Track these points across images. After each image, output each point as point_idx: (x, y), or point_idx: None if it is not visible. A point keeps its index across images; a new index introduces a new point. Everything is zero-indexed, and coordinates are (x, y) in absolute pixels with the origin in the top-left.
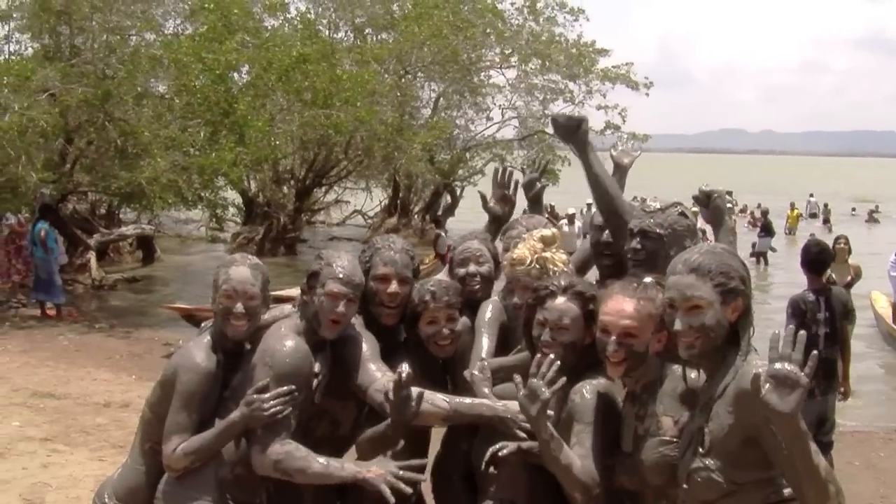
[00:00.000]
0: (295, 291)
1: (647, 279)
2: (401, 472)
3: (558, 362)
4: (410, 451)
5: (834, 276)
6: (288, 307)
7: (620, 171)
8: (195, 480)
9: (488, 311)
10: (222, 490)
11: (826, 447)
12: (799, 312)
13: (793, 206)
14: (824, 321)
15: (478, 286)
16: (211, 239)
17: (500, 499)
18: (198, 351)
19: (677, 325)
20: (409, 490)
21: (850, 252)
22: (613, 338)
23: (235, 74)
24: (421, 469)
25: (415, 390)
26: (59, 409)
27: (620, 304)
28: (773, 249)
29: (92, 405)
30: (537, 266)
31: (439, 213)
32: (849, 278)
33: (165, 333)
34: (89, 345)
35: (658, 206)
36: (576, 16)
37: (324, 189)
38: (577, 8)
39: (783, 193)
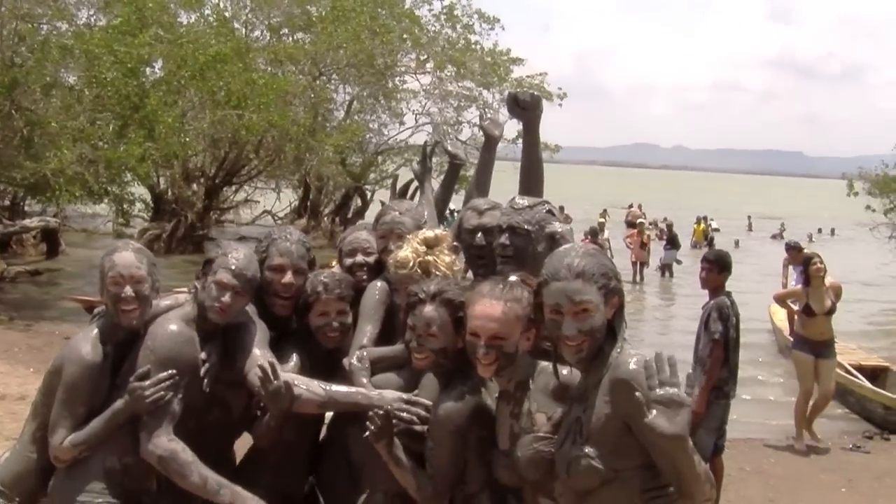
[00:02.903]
0: None
1: (512, 278)
2: None
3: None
4: (301, 436)
5: (811, 303)
6: (183, 296)
7: (491, 143)
8: (83, 472)
9: (375, 294)
10: (111, 480)
11: (719, 450)
12: (725, 316)
13: (699, 221)
14: (734, 325)
15: (365, 276)
16: (117, 234)
17: (386, 491)
18: (84, 343)
19: (567, 330)
20: None
21: (825, 271)
22: (483, 341)
23: (148, 69)
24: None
25: (287, 377)
26: None
27: (488, 308)
28: (679, 262)
29: None
30: (419, 269)
31: (349, 216)
32: (829, 303)
33: (66, 327)
34: None
35: (526, 204)
36: (492, 24)
37: (234, 188)
38: (493, 17)
39: (693, 209)
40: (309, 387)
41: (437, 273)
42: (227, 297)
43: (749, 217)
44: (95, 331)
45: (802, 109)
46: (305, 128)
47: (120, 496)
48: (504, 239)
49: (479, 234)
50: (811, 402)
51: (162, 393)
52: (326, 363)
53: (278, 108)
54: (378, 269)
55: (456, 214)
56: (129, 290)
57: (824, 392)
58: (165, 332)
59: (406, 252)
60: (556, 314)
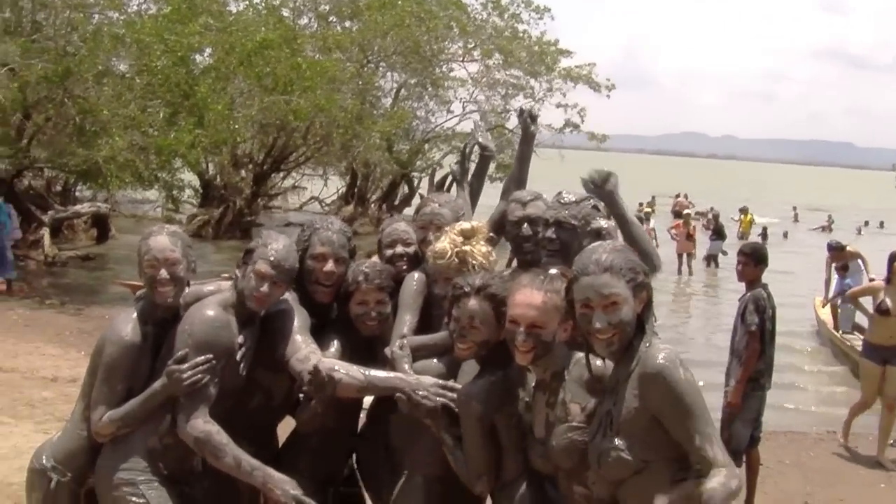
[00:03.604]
0: None
1: (553, 271)
2: (304, 501)
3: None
4: (341, 421)
5: (889, 301)
6: (227, 283)
7: (528, 137)
8: (127, 451)
9: (413, 284)
10: (153, 459)
11: (756, 442)
12: (761, 309)
13: (745, 212)
14: (770, 318)
15: (405, 266)
16: (167, 220)
17: (425, 475)
18: (124, 324)
19: (597, 324)
20: None
21: None
22: (522, 328)
23: (197, 57)
24: None
25: (328, 362)
26: (5, 381)
27: (529, 297)
28: (725, 253)
29: (39, 379)
30: (457, 260)
31: (396, 202)
32: None
33: (116, 311)
34: (39, 320)
35: (573, 199)
36: (541, 14)
37: (281, 174)
38: (542, 6)
39: (741, 199)
40: (349, 372)
41: (474, 262)
42: (265, 287)
43: (794, 208)
44: (135, 312)
45: (853, 100)
46: (353, 114)
47: (161, 475)
48: (550, 233)
49: (525, 225)
50: (879, 414)
51: (199, 376)
52: (366, 350)
53: (325, 93)
54: (417, 260)
55: None
56: (163, 273)
57: (888, 399)
58: (203, 317)
59: (444, 243)
60: (587, 308)
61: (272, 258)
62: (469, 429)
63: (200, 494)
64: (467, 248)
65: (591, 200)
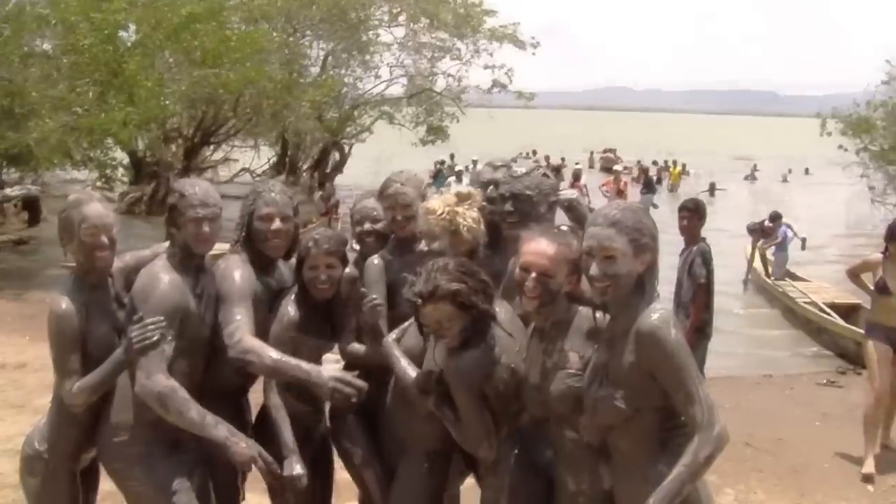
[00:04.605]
0: None
1: (564, 227)
2: (267, 459)
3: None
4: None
5: (888, 278)
6: (164, 245)
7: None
8: (127, 428)
9: (373, 272)
10: (154, 430)
11: None
12: (708, 262)
13: (675, 164)
14: (712, 271)
15: (373, 241)
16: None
17: (427, 450)
18: (58, 300)
19: (593, 271)
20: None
21: None
22: (533, 275)
23: (124, 34)
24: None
25: (251, 343)
26: None
27: (542, 247)
28: (655, 206)
29: None
30: (446, 217)
31: (328, 170)
32: None
33: (56, 293)
34: None
35: (524, 171)
36: None
37: (212, 147)
38: None
39: (668, 152)
40: (260, 355)
41: (465, 224)
42: (205, 228)
43: (713, 179)
44: (68, 284)
45: (775, 49)
46: (282, 84)
47: (164, 444)
48: (508, 206)
49: (491, 188)
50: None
51: (149, 334)
52: (324, 313)
53: (254, 64)
54: (385, 236)
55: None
56: (104, 239)
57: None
58: (154, 281)
59: (437, 201)
60: (589, 257)
61: (196, 202)
62: (463, 400)
63: (199, 456)
64: (459, 209)
65: (540, 169)
